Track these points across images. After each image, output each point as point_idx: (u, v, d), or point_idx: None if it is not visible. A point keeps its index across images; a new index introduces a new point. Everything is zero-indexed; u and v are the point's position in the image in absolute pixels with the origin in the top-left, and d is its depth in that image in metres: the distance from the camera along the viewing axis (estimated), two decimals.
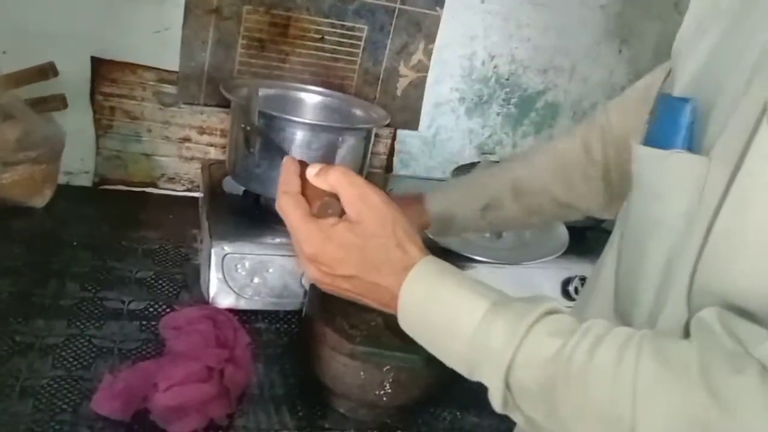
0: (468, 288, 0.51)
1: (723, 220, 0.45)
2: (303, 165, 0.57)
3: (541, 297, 0.50)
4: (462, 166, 1.32)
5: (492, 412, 0.50)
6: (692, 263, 0.47)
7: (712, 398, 0.41)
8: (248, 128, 0.93)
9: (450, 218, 0.83)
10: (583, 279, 1.05)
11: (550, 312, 0.49)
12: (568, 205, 0.81)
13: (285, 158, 0.58)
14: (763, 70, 0.44)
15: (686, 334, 0.47)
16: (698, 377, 0.42)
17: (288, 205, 0.55)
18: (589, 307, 0.62)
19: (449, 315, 0.51)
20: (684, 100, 0.49)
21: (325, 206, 0.55)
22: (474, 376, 0.50)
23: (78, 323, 0.85)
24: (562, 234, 1.10)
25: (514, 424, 0.53)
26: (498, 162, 0.98)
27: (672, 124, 0.49)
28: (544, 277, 1.06)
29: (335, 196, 0.55)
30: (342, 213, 0.55)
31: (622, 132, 0.76)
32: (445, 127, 1.36)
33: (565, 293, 1.06)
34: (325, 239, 0.53)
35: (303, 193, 0.56)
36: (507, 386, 0.48)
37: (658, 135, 0.50)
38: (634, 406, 0.43)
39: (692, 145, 0.49)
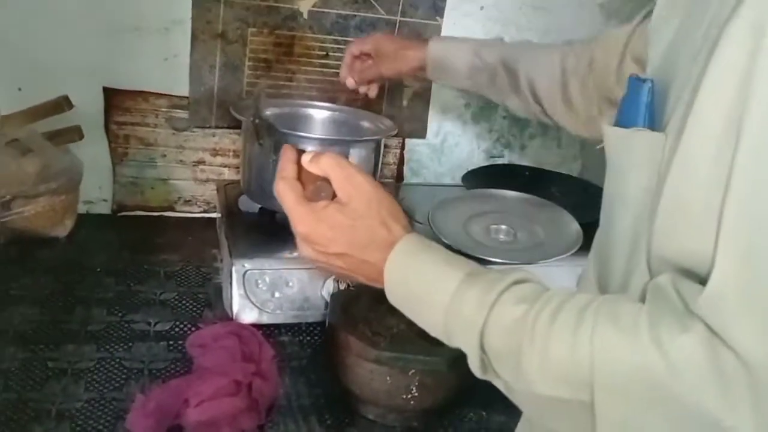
0: (445, 261, 0.55)
1: (668, 189, 0.47)
2: (300, 153, 0.61)
3: (515, 269, 0.54)
4: (472, 170, 1.33)
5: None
6: (649, 233, 0.50)
7: (661, 357, 0.44)
8: (257, 121, 0.94)
9: (442, 66, 0.99)
10: None
11: (519, 281, 0.53)
12: (544, 112, 0.92)
13: (284, 146, 0.62)
14: (703, 48, 0.46)
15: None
16: (648, 337, 0.45)
17: (284, 189, 0.59)
18: (582, 280, 0.66)
19: (428, 286, 0.55)
20: (642, 80, 0.51)
21: (317, 190, 0.59)
22: (453, 342, 0.54)
23: (107, 347, 0.86)
24: (576, 231, 1.10)
25: None
26: (508, 42, 1.05)
27: (634, 103, 0.52)
28: (560, 276, 1.05)
29: (327, 181, 0.59)
30: (333, 196, 0.59)
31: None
32: (452, 134, 1.37)
33: None
34: (317, 220, 0.57)
35: (298, 178, 0.60)
36: (483, 350, 0.52)
37: (625, 114, 0.53)
38: (592, 365, 0.46)
39: (653, 124, 0.51)
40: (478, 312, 0.51)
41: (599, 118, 0.84)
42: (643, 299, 0.48)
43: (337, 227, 0.57)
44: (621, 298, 0.50)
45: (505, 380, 0.51)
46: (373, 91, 1.09)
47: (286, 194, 0.59)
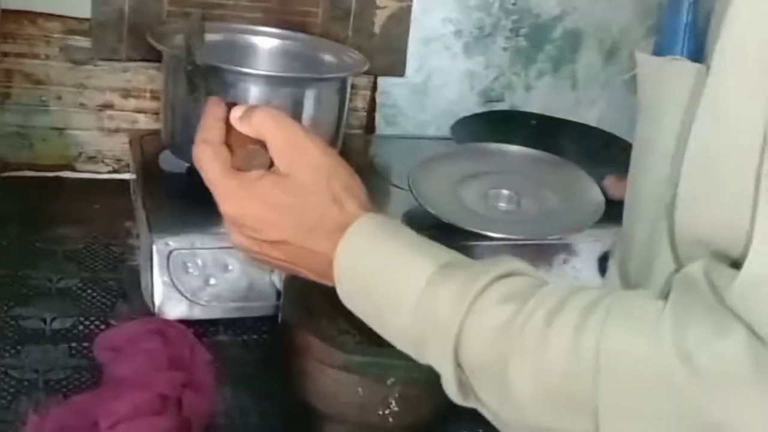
0: (413, 248, 0.54)
1: (694, 140, 0.47)
2: (229, 108, 0.60)
3: (505, 257, 0.52)
4: (463, 119, 1.33)
5: None
6: (673, 198, 0.49)
7: (684, 364, 0.42)
8: (189, 68, 0.92)
9: None
10: None
11: (507, 274, 0.51)
12: None
13: (209, 100, 0.61)
14: None
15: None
16: (670, 342, 0.43)
17: (205, 156, 0.58)
18: (609, 270, 0.66)
19: (390, 282, 0.53)
20: None
21: (248, 156, 0.57)
22: (422, 357, 0.52)
23: None
24: (596, 198, 1.11)
25: None
26: None
27: (673, 24, 0.51)
28: (576, 254, 1.07)
29: (263, 145, 0.57)
30: (270, 164, 0.57)
31: None
32: (438, 71, 1.36)
33: (604, 272, 1.07)
34: (248, 197, 0.56)
35: (227, 141, 0.58)
36: (459, 366, 0.50)
37: (662, 41, 0.52)
38: (596, 382, 0.44)
39: (696, 53, 0.50)
40: (453, 315, 0.49)
41: None
42: (666, 293, 0.47)
43: (274, 206, 0.56)
44: (637, 294, 0.49)
45: (489, 407, 0.50)
46: None
47: (209, 163, 0.57)
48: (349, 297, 0.56)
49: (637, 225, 0.56)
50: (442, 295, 0.50)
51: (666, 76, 0.51)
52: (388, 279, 0.53)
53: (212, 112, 0.60)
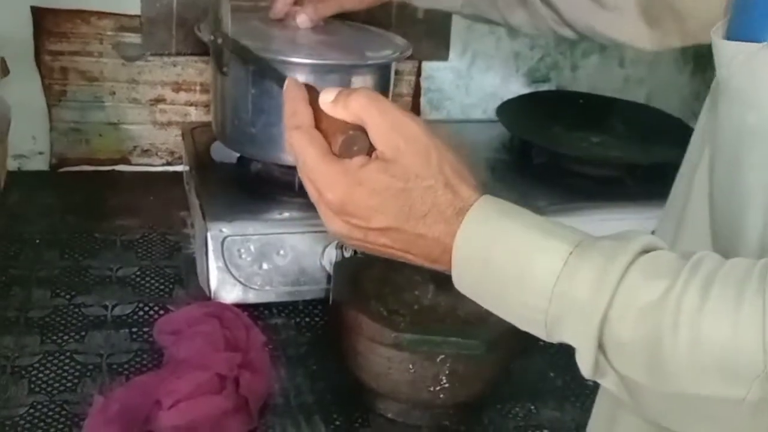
0: (542, 229, 0.52)
1: None
2: (312, 91, 0.57)
3: (632, 232, 0.51)
4: (509, 101, 1.31)
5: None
6: None
7: None
8: (218, 40, 0.92)
9: None
10: None
11: (647, 249, 0.49)
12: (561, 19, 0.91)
13: (287, 81, 0.58)
14: None
15: None
16: None
17: (302, 142, 0.55)
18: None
19: (521, 264, 0.51)
20: None
21: (350, 142, 0.54)
22: (554, 336, 0.51)
23: (54, 337, 0.87)
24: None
25: None
26: None
27: (764, 8, 0.50)
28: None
29: (361, 129, 0.55)
30: (371, 150, 0.55)
31: None
32: (483, 54, 1.35)
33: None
34: (354, 184, 0.54)
35: (317, 126, 0.56)
36: (600, 343, 0.49)
37: (746, 24, 0.51)
38: (766, 350, 0.43)
39: None
40: (598, 294, 0.48)
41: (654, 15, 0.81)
42: None
43: (384, 192, 0.53)
44: None
45: (627, 376, 0.49)
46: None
47: (307, 149, 0.55)
48: (467, 280, 0.54)
49: (746, 210, 0.54)
50: (581, 276, 0.49)
51: (763, 65, 0.49)
52: (516, 262, 0.51)
53: (296, 94, 0.57)
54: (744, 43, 0.50)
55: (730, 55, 0.52)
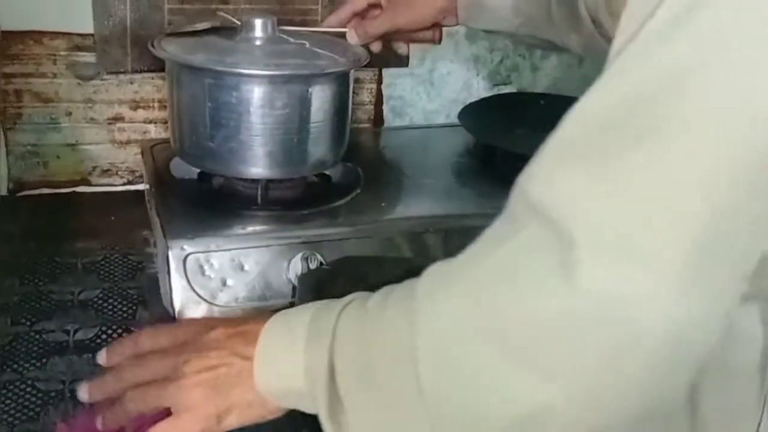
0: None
1: None
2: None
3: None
4: (471, 104, 1.32)
5: None
6: None
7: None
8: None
9: (478, 3, 0.99)
10: None
11: (352, 300, 0.62)
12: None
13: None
14: None
15: None
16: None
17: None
18: None
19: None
20: None
21: None
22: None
23: (15, 365, 0.86)
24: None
25: None
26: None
27: None
28: None
29: None
30: None
31: None
32: (442, 59, 1.36)
33: None
34: None
35: None
36: (332, 375, 0.58)
37: None
38: (412, 322, 0.51)
39: None
40: (326, 330, 0.60)
41: None
42: None
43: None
44: None
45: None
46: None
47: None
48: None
49: None
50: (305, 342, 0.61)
51: None
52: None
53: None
54: None
55: None
